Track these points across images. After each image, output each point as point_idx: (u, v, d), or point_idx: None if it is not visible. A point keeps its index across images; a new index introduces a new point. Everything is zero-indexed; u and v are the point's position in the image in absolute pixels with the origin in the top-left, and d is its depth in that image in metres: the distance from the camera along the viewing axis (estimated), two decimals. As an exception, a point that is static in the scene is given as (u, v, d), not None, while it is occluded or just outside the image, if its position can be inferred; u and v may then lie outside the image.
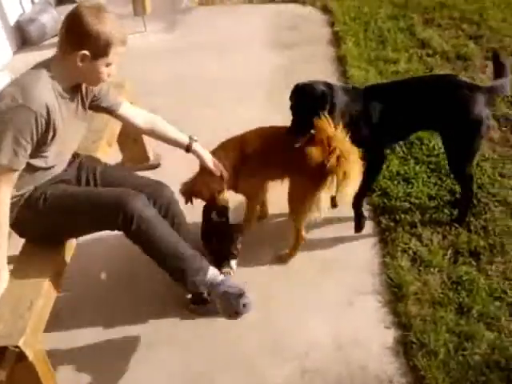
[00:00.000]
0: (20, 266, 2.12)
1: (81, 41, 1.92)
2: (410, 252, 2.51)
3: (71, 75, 2.02)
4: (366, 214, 2.65)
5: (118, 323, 2.36)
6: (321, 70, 3.87)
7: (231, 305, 2.14)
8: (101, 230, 2.19)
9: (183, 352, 2.24)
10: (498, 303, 2.26)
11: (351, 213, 2.60)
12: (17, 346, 1.85)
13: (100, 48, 1.94)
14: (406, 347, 2.17)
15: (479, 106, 2.31)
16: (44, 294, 2.04)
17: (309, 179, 2.28)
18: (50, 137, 1.99)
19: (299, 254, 2.55)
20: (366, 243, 2.62)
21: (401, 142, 3.06)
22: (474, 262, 2.43)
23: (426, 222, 2.64)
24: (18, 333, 1.88)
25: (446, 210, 2.68)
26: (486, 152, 2.96)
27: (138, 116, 2.36)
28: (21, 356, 1.87)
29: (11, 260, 2.11)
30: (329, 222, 2.67)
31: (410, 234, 2.59)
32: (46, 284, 2.06)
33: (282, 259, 2.56)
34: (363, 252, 2.57)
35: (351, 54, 4.00)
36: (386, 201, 2.77)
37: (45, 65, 2.00)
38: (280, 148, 2.36)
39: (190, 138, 2.38)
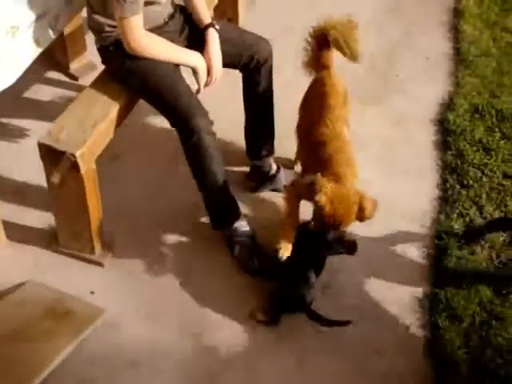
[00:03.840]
0: (95, 88, 2.17)
1: None
2: (467, 219, 2.38)
3: None
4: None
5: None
6: (432, 14, 3.58)
7: (252, 261, 2.16)
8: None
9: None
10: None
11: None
12: (73, 155, 1.92)
13: None
14: (432, 303, 2.10)
15: None
16: (109, 119, 2.08)
17: None
18: None
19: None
20: (425, 195, 2.49)
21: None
22: (529, 250, 2.30)
23: (493, 197, 2.49)
24: (78, 143, 1.97)
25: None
26: None
27: None
28: (75, 166, 1.94)
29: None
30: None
31: (472, 202, 2.45)
32: (114, 112, 2.10)
33: None
34: (420, 203, 2.45)
35: (470, 11, 3.66)
36: (459, 162, 2.61)
37: None
38: None
39: (214, 22, 2.19)
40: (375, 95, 3.01)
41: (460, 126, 2.79)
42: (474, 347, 1.97)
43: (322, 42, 2.30)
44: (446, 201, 2.45)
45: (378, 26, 3.49)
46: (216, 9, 3.07)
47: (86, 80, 2.70)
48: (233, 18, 3.17)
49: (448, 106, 2.94)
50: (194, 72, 2.12)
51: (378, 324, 2.08)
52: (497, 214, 2.42)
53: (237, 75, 2.35)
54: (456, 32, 3.47)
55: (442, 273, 2.18)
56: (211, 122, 2.07)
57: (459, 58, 3.31)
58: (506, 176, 2.58)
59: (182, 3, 2.27)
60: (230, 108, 2.57)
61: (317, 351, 2.00)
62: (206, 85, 2.17)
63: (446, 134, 2.78)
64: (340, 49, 2.28)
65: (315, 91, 2.28)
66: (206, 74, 2.13)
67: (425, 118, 2.90)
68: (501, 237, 2.33)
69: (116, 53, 2.08)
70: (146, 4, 1.98)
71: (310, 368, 1.97)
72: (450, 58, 3.35)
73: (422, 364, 1.96)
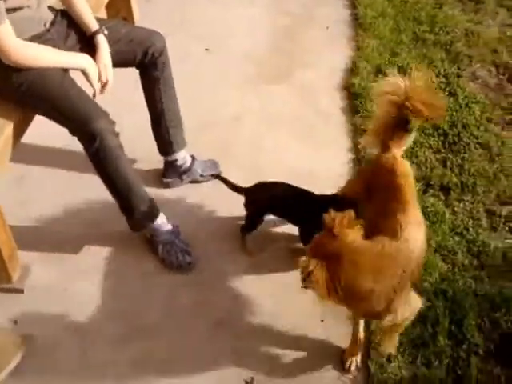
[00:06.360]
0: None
1: None
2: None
3: None
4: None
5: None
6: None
7: (176, 257, 2.15)
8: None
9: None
10: (457, 238, 2.23)
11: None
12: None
13: None
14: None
15: None
16: (4, 140, 1.99)
17: None
18: None
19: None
20: (339, 160, 2.56)
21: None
22: (442, 197, 2.38)
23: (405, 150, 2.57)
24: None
25: (427, 145, 2.60)
26: (478, 95, 2.86)
27: None
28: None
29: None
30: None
31: (385, 159, 2.52)
32: (8, 131, 2.01)
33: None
34: (336, 168, 2.51)
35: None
36: (367, 123, 2.67)
37: None
38: None
39: (102, 28, 2.15)
40: (281, 73, 3.05)
41: (365, 88, 2.86)
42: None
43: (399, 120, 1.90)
44: (359, 162, 2.52)
45: (275, 3, 3.53)
46: (109, 8, 3.01)
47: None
48: (127, 16, 3.11)
49: (351, 70, 3.02)
50: (85, 74, 2.07)
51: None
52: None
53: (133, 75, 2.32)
54: (353, -2, 3.55)
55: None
56: (113, 122, 2.02)
57: (358, 22, 3.40)
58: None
59: (62, 7, 2.20)
60: (132, 108, 2.53)
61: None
62: (101, 91, 2.13)
63: (353, 98, 2.85)
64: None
65: (385, 178, 1.84)
66: (97, 74, 2.08)
67: (331, 86, 2.96)
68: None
69: None
70: (13, 10, 1.90)
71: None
72: (349, 24, 3.43)
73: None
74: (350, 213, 1.60)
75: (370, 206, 1.86)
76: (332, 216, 1.58)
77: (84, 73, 2.06)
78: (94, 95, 2.10)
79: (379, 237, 1.64)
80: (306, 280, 1.50)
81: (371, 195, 1.87)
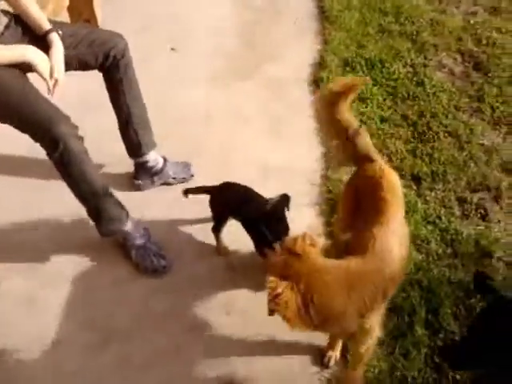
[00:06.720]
0: None
1: None
2: (353, 168, 2.44)
3: None
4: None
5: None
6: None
7: (151, 261, 2.12)
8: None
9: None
10: (430, 227, 2.25)
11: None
12: None
13: None
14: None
15: None
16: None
17: None
18: None
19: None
20: (311, 154, 2.55)
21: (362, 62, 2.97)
22: (414, 186, 2.40)
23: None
24: None
25: (397, 135, 2.62)
26: (445, 84, 2.88)
27: None
28: None
29: None
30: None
31: (355, 152, 2.52)
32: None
33: None
34: (308, 163, 2.50)
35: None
36: (337, 117, 2.68)
37: None
38: None
39: (56, 28, 2.09)
40: (250, 69, 3.03)
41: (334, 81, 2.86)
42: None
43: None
44: (330, 156, 2.51)
45: (241, -1, 3.51)
46: (71, 10, 2.96)
47: None
48: (91, 19, 3.06)
49: (320, 64, 3.01)
50: (35, 67, 1.99)
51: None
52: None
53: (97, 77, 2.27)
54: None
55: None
56: (75, 127, 1.97)
57: (324, 15, 3.39)
58: (382, 120, 2.68)
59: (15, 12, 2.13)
60: (101, 110, 2.48)
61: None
62: (52, 90, 2.04)
63: (322, 91, 2.84)
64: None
65: (371, 189, 1.75)
66: (48, 68, 2.01)
67: (300, 80, 2.95)
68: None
69: None
70: None
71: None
72: (315, 17, 3.42)
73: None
74: (308, 232, 1.54)
75: (358, 216, 1.74)
76: (292, 237, 1.53)
77: (34, 66, 1.98)
78: (48, 90, 2.02)
79: (349, 256, 1.58)
80: (274, 302, 1.41)
81: (359, 205, 1.77)
